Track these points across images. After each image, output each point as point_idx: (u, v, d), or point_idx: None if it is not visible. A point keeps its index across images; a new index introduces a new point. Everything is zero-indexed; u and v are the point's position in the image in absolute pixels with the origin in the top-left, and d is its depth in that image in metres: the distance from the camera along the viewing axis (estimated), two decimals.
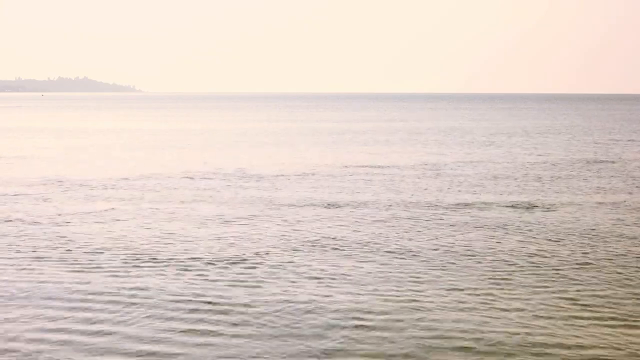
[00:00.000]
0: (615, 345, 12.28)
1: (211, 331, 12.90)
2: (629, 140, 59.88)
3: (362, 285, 15.69)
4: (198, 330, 12.93)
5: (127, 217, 23.86)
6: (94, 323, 13.31)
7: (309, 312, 13.85)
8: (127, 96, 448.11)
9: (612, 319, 13.63)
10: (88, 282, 15.99)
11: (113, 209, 25.51)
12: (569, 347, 12.16)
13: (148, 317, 13.62)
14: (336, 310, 13.90)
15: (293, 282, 15.98)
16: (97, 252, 18.87)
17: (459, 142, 58.42)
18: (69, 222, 22.90)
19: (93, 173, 36.11)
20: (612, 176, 34.98)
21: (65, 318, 13.60)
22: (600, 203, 26.86)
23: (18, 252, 18.94)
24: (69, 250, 19.13)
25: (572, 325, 13.21)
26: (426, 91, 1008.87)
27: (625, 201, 27.29)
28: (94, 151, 49.74)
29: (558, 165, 39.90)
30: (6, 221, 23.13)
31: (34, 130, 76.71)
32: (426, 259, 18.11)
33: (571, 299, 14.78)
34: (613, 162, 41.56)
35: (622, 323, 13.37)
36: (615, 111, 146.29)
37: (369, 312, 13.80)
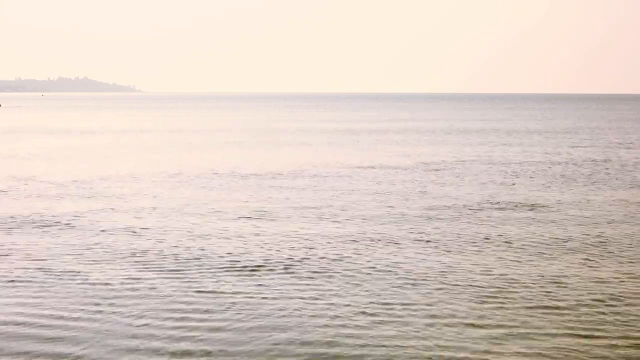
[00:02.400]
0: None
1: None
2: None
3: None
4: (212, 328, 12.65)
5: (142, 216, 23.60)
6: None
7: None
8: (127, 96, 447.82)
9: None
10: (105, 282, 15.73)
11: (113, 208, 25.23)
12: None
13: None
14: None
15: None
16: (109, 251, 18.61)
17: (479, 142, 58.09)
18: (90, 220, 22.64)
19: (98, 172, 35.81)
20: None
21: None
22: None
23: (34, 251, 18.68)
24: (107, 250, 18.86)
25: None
26: (426, 91, 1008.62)
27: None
28: (99, 151, 49.43)
29: (582, 165, 39.62)
30: (17, 220, 22.85)
31: (40, 130, 76.38)
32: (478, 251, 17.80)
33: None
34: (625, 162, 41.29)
35: None
36: (619, 111, 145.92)
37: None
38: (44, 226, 22.34)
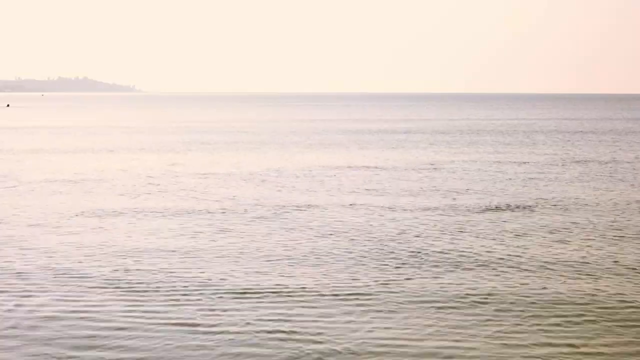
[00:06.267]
0: None
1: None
2: None
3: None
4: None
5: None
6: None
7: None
8: (127, 96, 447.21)
9: None
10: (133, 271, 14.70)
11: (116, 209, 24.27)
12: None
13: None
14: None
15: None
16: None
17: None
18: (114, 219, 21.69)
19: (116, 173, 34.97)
20: None
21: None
22: None
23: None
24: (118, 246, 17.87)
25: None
26: (426, 91, 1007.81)
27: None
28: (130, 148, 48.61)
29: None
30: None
31: (56, 128, 75.59)
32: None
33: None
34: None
35: None
36: (625, 111, 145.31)
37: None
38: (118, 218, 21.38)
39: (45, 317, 13.13)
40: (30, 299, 14.22)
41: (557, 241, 19.47)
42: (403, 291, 14.56)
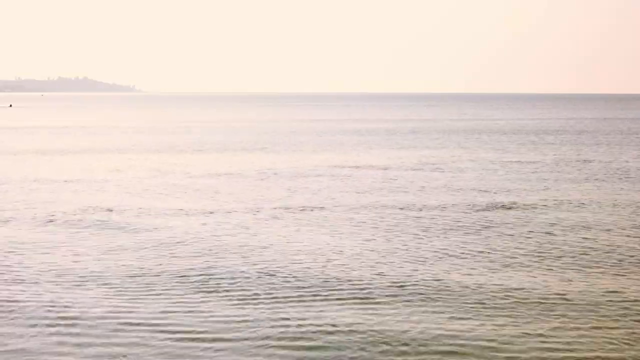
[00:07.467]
0: None
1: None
2: None
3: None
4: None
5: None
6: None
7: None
8: (127, 96, 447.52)
9: None
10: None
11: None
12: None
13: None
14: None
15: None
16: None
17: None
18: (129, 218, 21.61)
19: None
20: None
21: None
22: None
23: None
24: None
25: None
26: (426, 91, 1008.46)
27: None
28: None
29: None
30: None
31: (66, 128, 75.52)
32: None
33: None
34: None
35: None
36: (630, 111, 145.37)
37: None
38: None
39: (43, 317, 13.10)
40: (32, 299, 14.18)
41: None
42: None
